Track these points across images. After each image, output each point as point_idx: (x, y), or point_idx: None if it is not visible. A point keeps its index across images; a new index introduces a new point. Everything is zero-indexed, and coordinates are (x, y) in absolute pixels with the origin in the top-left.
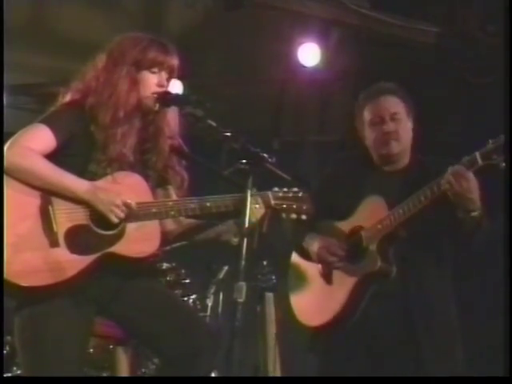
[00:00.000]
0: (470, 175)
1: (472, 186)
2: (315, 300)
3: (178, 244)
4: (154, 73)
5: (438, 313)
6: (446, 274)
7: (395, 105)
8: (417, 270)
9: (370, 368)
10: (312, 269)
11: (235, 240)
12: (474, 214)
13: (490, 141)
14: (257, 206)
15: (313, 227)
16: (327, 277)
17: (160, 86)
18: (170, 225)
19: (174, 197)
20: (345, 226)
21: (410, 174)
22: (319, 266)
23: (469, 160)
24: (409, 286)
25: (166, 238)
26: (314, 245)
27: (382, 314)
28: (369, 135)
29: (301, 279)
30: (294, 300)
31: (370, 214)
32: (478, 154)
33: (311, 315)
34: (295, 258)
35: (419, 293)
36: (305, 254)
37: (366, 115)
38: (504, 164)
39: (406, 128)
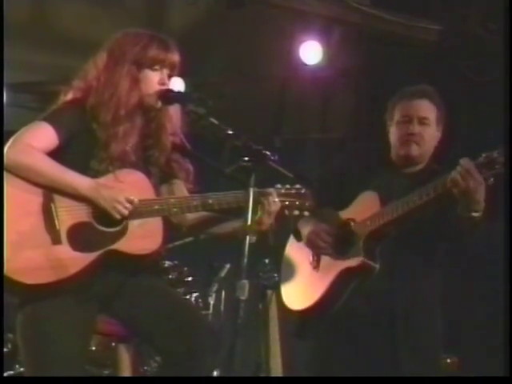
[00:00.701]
0: (479, 176)
1: (480, 186)
2: (302, 285)
3: (180, 242)
4: (155, 70)
5: (420, 313)
6: (434, 275)
7: (427, 109)
8: (404, 268)
9: (351, 359)
10: (302, 254)
11: (253, 238)
12: (476, 214)
13: (483, 154)
14: (276, 199)
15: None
16: (315, 263)
17: (162, 83)
18: (185, 215)
19: (183, 190)
20: (338, 216)
21: (418, 179)
22: (310, 251)
23: (478, 161)
24: (394, 284)
25: (180, 229)
26: (306, 228)
27: (364, 309)
28: (393, 132)
29: (291, 264)
30: (284, 285)
31: (363, 209)
32: (495, 152)
33: (296, 299)
34: (290, 242)
35: (404, 292)
36: (298, 236)
37: (397, 113)
38: (493, 180)
39: (431, 134)
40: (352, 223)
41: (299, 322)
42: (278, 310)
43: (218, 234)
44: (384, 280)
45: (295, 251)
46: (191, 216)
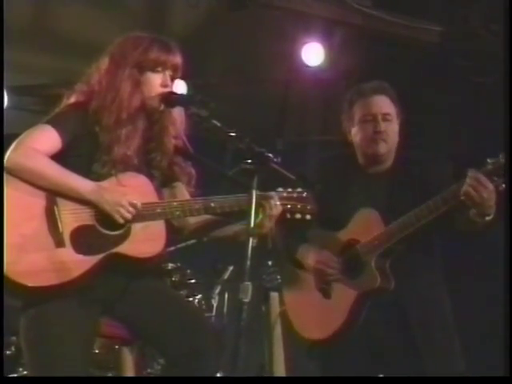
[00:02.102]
0: (489, 183)
1: (492, 193)
2: (314, 313)
3: (183, 244)
4: (157, 72)
5: (433, 314)
6: (440, 276)
7: (388, 105)
8: (412, 275)
9: (371, 372)
10: (308, 280)
11: (254, 241)
12: (489, 218)
13: (489, 160)
14: (278, 203)
15: (304, 236)
16: (325, 290)
17: (164, 85)
18: (186, 219)
19: (184, 193)
20: (338, 238)
21: (395, 175)
22: (314, 279)
23: (484, 170)
24: (404, 292)
25: (181, 233)
26: (309, 258)
27: (378, 320)
28: (357, 132)
29: (297, 288)
30: (290, 308)
31: (365, 228)
32: (500, 156)
33: (310, 328)
34: (290, 269)
35: (415, 298)
36: (299, 266)
37: (357, 111)
38: (504, 185)
39: (394, 130)
40: (357, 245)
41: (315, 348)
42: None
43: (219, 237)
44: (394, 290)
45: (296, 279)
46: (193, 220)
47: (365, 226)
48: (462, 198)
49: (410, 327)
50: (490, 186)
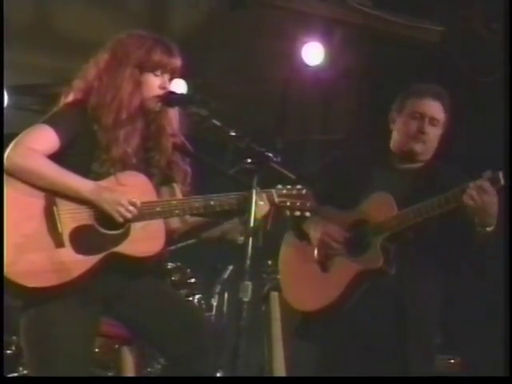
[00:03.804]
0: (493, 191)
1: (494, 201)
2: (308, 285)
3: (183, 243)
4: (156, 75)
5: (427, 311)
6: (441, 276)
7: (439, 112)
8: (413, 269)
9: (358, 357)
10: (304, 254)
11: (241, 239)
12: (490, 229)
13: (488, 172)
14: (261, 202)
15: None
16: (324, 264)
17: (162, 88)
18: (176, 223)
19: (179, 194)
20: (348, 215)
21: (420, 176)
22: (315, 251)
23: (493, 177)
24: (403, 284)
25: (171, 236)
26: (316, 229)
27: (372, 307)
28: (401, 125)
29: (293, 264)
30: (286, 285)
31: (378, 210)
32: (500, 173)
33: (304, 300)
34: (288, 239)
35: (412, 292)
36: (302, 236)
37: (408, 106)
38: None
39: (437, 136)
40: (367, 224)
41: (305, 323)
42: (281, 310)
43: (208, 237)
44: (393, 280)
45: (295, 250)
46: (183, 222)
47: (377, 207)
48: (465, 199)
49: (404, 323)
50: (494, 193)
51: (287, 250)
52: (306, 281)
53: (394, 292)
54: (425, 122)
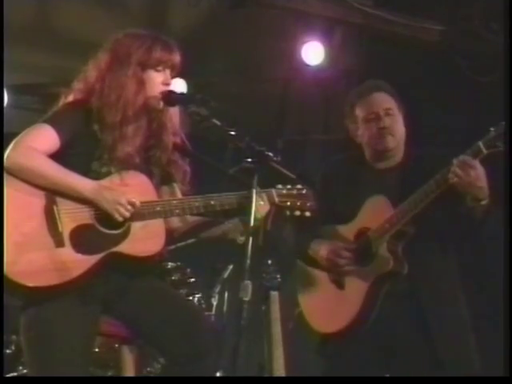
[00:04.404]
0: (477, 164)
1: (480, 174)
2: (328, 306)
3: (183, 243)
4: (158, 71)
5: (448, 306)
6: (453, 265)
7: (387, 100)
8: (424, 264)
9: (384, 369)
10: (321, 274)
11: (241, 238)
12: (484, 202)
13: (492, 128)
14: (261, 202)
15: (315, 232)
16: (338, 282)
17: (165, 83)
18: (176, 223)
19: (179, 194)
20: (349, 229)
21: (405, 169)
22: (328, 271)
23: (473, 150)
24: (418, 281)
25: (171, 235)
26: (321, 250)
27: (394, 313)
28: (363, 132)
29: (310, 285)
30: (305, 306)
31: (375, 214)
32: (481, 143)
33: (324, 321)
34: (300, 269)
35: (429, 288)
36: (311, 262)
37: (359, 112)
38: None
39: (399, 123)
40: (368, 232)
41: (326, 342)
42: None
43: (208, 237)
44: (408, 279)
45: (311, 272)
46: (183, 222)
47: (374, 212)
48: (451, 178)
49: (427, 322)
50: (477, 165)
51: (301, 278)
52: (325, 303)
53: (410, 293)
54: (381, 117)
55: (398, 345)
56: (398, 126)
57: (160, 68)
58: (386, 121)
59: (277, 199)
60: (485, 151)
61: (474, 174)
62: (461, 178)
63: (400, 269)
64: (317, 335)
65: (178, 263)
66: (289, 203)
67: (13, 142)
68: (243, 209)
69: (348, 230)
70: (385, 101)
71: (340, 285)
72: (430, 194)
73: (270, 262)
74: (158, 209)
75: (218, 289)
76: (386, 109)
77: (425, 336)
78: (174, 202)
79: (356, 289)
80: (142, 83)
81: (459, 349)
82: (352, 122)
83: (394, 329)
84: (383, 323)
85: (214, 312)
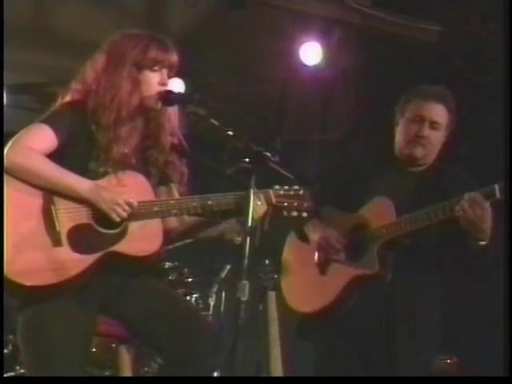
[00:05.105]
0: (487, 205)
1: (486, 216)
2: (307, 287)
3: (180, 243)
4: (155, 71)
5: (421, 316)
6: (438, 282)
7: (440, 115)
8: (408, 274)
9: (353, 358)
10: (305, 255)
11: (238, 239)
12: (483, 243)
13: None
14: (259, 203)
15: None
16: (322, 267)
17: (162, 84)
18: (173, 223)
19: (176, 194)
20: (349, 219)
21: (423, 179)
22: (316, 254)
23: (487, 190)
24: (397, 291)
25: (168, 235)
26: (315, 233)
27: (367, 311)
28: (402, 129)
29: (293, 264)
30: (285, 285)
31: (377, 215)
32: (496, 187)
33: (301, 301)
34: (290, 242)
35: (407, 296)
36: (303, 238)
37: (409, 109)
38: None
39: (438, 138)
40: (365, 229)
41: (303, 323)
42: (278, 310)
43: (206, 237)
44: (388, 284)
45: (297, 251)
46: (180, 221)
47: (377, 212)
48: (457, 210)
49: (396, 328)
50: (486, 206)
51: (289, 250)
52: (304, 282)
53: (388, 298)
54: (424, 126)
55: (367, 339)
56: (434, 141)
57: (156, 68)
58: (426, 131)
59: (274, 200)
60: (498, 195)
61: (480, 213)
62: (466, 214)
63: (384, 274)
64: (292, 313)
65: (176, 263)
66: (286, 204)
67: (10, 142)
68: (240, 209)
69: (347, 220)
70: (438, 115)
71: (323, 270)
72: (432, 219)
73: (267, 261)
74: (156, 209)
75: (215, 289)
76: (433, 121)
77: (388, 338)
78: (172, 202)
79: (336, 278)
80: (137, 83)
81: (419, 352)
82: (400, 111)
83: (364, 325)
84: (356, 318)
85: (211, 312)
